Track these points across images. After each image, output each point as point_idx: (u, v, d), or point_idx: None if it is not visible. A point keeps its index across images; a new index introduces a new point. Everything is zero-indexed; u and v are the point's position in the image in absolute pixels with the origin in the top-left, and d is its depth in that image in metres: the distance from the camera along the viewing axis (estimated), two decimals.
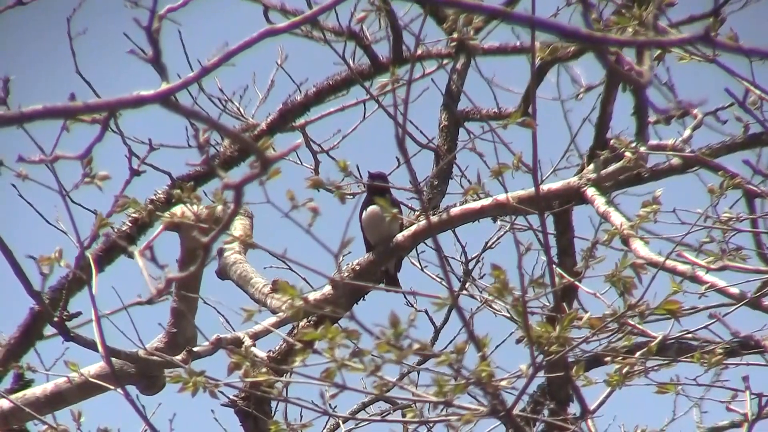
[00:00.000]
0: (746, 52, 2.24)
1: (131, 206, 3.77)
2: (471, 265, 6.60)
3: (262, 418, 5.78)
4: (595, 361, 5.22)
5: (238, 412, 5.96)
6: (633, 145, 5.33)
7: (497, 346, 6.35)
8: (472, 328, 3.58)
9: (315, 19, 5.98)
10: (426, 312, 6.92)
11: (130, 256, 6.22)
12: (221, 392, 5.77)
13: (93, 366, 5.81)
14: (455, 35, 3.60)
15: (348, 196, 6.15)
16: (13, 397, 5.91)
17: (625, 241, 4.85)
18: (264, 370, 3.68)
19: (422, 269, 6.60)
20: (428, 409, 3.80)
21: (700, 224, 4.24)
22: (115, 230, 6.15)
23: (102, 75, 6.33)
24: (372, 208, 5.80)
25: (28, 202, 5.81)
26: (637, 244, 4.81)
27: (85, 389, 5.79)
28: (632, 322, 3.86)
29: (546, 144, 7.98)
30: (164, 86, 2.49)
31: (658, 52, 4.30)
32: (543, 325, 3.56)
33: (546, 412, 5.63)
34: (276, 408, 6.10)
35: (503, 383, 3.62)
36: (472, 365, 3.60)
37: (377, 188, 5.89)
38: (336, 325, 4.87)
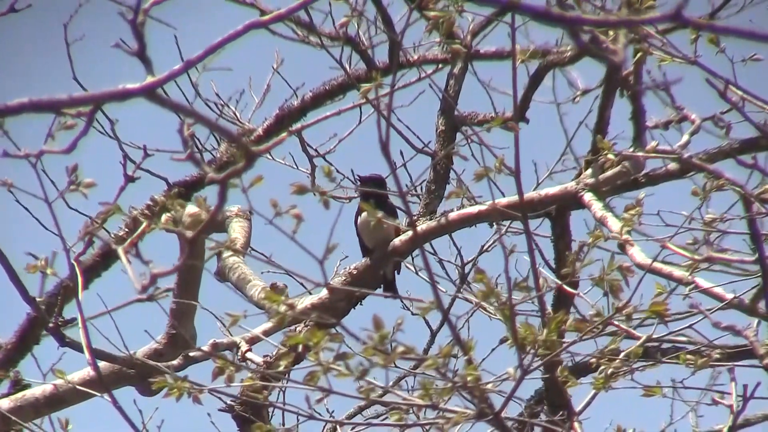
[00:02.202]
0: (718, 30, 2.24)
1: (115, 213, 3.77)
2: (467, 268, 6.59)
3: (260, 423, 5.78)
4: (587, 368, 5.22)
5: (235, 417, 5.96)
6: (625, 148, 5.33)
7: (493, 350, 6.35)
8: (458, 332, 3.57)
9: (308, 17, 5.99)
10: (423, 316, 6.91)
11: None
12: (219, 398, 5.81)
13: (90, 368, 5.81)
14: (439, 39, 3.60)
15: (344, 200, 6.15)
16: (13, 397, 5.92)
17: (622, 247, 4.85)
18: (250, 375, 3.68)
19: (417, 273, 6.60)
20: (416, 413, 3.79)
21: (686, 227, 4.24)
22: (112, 235, 6.16)
23: (99, 81, 6.33)
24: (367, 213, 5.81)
25: (25, 208, 5.82)
26: (633, 251, 4.81)
27: (83, 390, 5.79)
28: (620, 324, 3.85)
29: (544, 147, 7.98)
30: (150, 79, 2.49)
31: (639, 50, 4.30)
32: (528, 327, 3.55)
33: (542, 416, 5.62)
34: (273, 413, 6.10)
35: (490, 386, 3.62)
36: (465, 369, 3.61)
37: (370, 192, 5.89)
38: (331, 329, 4.87)
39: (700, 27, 2.07)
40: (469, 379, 3.58)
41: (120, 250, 2.81)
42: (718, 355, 4.34)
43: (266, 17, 2.63)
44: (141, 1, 2.54)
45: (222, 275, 6.39)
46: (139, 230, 3.02)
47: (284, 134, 2.45)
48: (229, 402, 5.91)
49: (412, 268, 6.47)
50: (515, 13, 2.19)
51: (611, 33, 2.45)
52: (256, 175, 3.26)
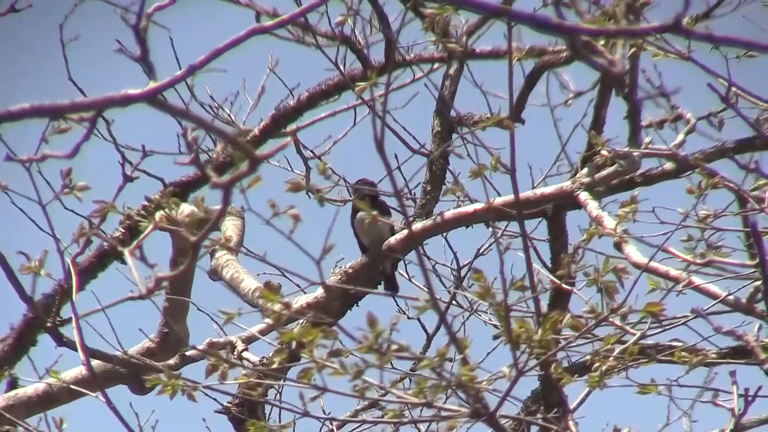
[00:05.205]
0: (717, 40, 2.23)
1: (111, 212, 3.75)
2: (463, 272, 6.57)
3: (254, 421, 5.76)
4: (583, 367, 5.21)
5: (231, 419, 5.95)
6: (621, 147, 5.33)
7: (489, 353, 6.32)
8: (454, 331, 3.56)
9: (304, 18, 5.97)
10: (418, 319, 6.89)
11: (123, 262, 6.23)
12: (214, 399, 5.80)
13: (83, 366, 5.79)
14: (435, 38, 3.59)
15: (338, 203, 6.14)
16: (5, 396, 5.92)
17: (618, 245, 4.84)
18: (245, 372, 3.67)
19: (410, 279, 6.58)
20: (410, 411, 3.78)
21: (682, 224, 4.23)
22: (108, 236, 6.15)
23: (94, 82, 6.34)
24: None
25: (22, 210, 5.81)
26: (629, 249, 4.81)
27: (77, 390, 5.78)
28: (616, 322, 3.84)
29: (539, 151, 7.99)
30: (152, 84, 2.48)
31: (633, 46, 4.29)
32: (522, 323, 3.54)
33: (538, 416, 5.61)
34: (270, 413, 6.09)
35: (484, 385, 3.60)
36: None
37: (363, 192, 5.90)
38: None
39: (699, 38, 2.06)
40: (463, 378, 3.57)
41: (126, 253, 2.80)
42: (714, 355, 4.34)
43: (269, 23, 2.60)
44: (144, 5, 2.54)
45: (215, 274, 6.38)
46: (146, 232, 3.01)
47: (287, 140, 2.45)
48: (225, 403, 5.90)
49: (406, 276, 6.46)
50: (510, 21, 2.17)
51: (609, 42, 2.45)
52: (254, 175, 3.26)
